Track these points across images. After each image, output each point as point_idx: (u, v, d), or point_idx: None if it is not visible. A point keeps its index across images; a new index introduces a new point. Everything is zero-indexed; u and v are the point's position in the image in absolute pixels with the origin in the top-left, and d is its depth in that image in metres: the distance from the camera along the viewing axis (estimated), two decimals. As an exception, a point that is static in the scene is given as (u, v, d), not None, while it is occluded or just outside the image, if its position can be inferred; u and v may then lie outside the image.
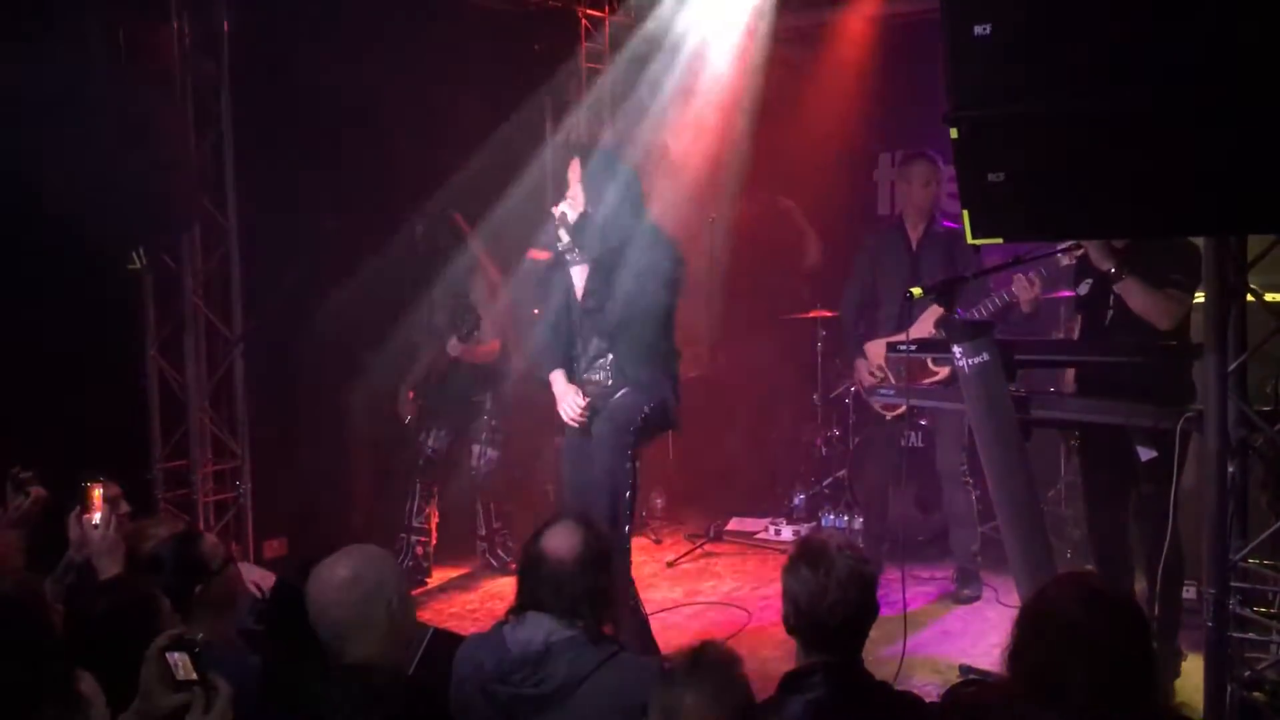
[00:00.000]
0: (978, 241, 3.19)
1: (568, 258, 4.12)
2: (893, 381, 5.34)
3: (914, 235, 5.39)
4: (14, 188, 4.43)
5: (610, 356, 4.18)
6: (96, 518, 3.07)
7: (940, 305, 4.13)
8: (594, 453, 4.05)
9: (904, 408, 5.34)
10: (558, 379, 4.25)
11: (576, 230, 4.09)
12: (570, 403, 4.15)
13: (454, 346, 5.58)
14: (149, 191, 4.89)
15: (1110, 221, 3.11)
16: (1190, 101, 2.70)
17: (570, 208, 4.11)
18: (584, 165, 4.17)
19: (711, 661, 2.23)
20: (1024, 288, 4.53)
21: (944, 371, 5.09)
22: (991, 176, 2.98)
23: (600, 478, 4.01)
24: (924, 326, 5.12)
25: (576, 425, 4.16)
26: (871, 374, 5.49)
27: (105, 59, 4.78)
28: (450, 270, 5.74)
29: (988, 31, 2.87)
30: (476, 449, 5.85)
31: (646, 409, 4.09)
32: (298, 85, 5.38)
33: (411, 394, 5.87)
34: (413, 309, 5.86)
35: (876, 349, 5.47)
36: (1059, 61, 2.86)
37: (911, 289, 4.07)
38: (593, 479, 4.07)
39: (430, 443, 5.81)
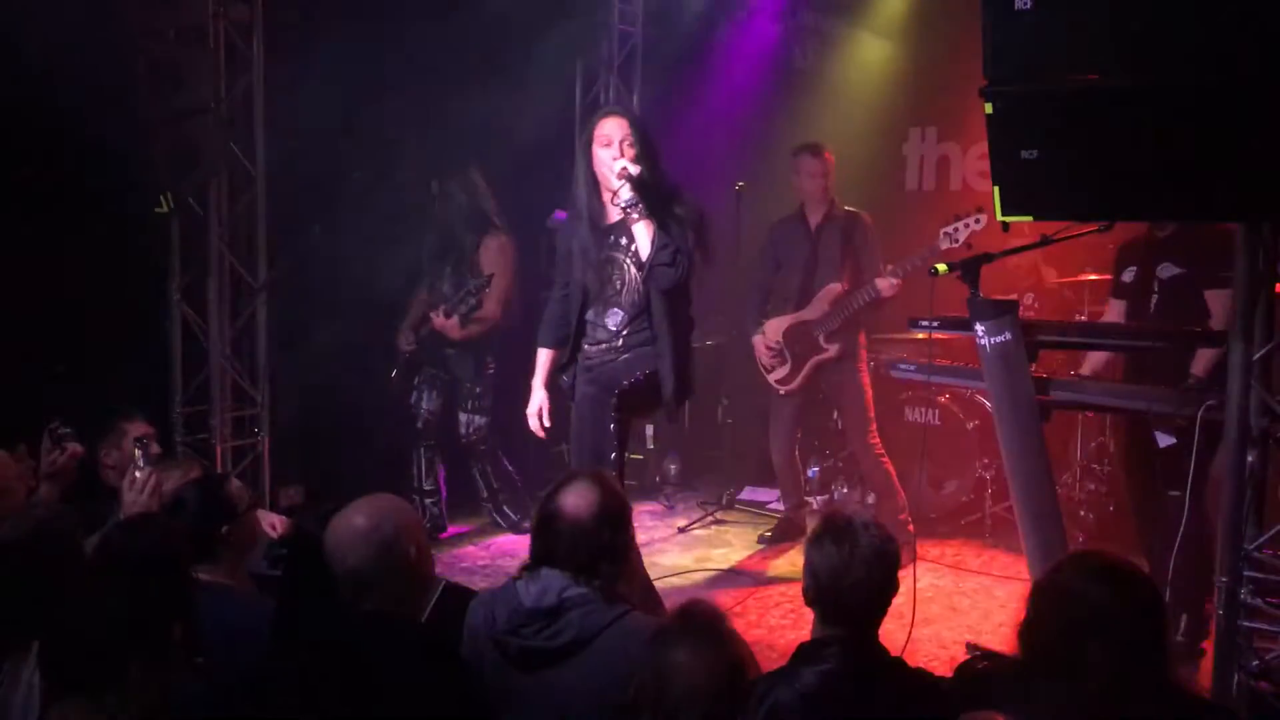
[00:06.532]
0: (1007, 219, 3.16)
1: (633, 214, 3.91)
2: (787, 357, 5.66)
3: (813, 220, 5.64)
4: (42, 130, 4.45)
5: (626, 332, 4.08)
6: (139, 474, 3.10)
7: (964, 283, 4.08)
8: (583, 414, 4.07)
9: (796, 383, 5.65)
10: (540, 368, 4.29)
11: (640, 186, 3.92)
12: (533, 413, 4.29)
13: (450, 326, 5.47)
14: (177, 135, 4.90)
15: (1144, 204, 3.08)
16: (1231, 85, 2.67)
17: (629, 164, 3.93)
18: (632, 125, 4.03)
19: (700, 619, 2.23)
20: (888, 286, 5.29)
21: (833, 349, 5.53)
22: (1025, 153, 2.95)
23: (587, 439, 4.03)
24: (819, 306, 5.54)
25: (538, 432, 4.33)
26: (769, 348, 5.73)
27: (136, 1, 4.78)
28: (461, 232, 5.66)
29: (1029, 5, 2.84)
30: (464, 418, 5.83)
31: (638, 375, 4.03)
32: (331, 31, 5.35)
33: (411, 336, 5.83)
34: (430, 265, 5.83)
35: (775, 326, 5.72)
36: (1099, 39, 2.83)
37: (936, 265, 4.02)
38: (585, 442, 4.08)
39: (424, 405, 5.83)
